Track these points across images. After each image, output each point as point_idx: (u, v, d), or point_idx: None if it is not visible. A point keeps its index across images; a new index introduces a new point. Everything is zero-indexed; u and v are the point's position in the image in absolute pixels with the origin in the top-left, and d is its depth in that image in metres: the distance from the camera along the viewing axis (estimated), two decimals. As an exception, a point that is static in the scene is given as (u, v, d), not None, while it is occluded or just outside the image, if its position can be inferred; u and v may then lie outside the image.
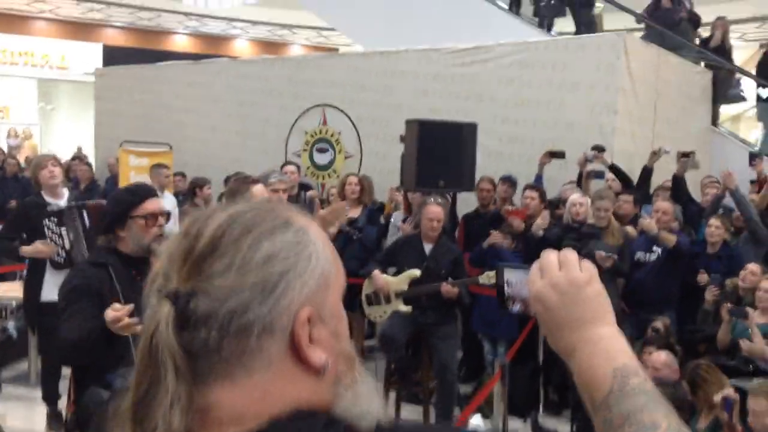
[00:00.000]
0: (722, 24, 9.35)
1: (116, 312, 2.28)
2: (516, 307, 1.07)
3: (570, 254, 1.01)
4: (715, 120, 9.26)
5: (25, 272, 5.02)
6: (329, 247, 0.85)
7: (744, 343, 4.33)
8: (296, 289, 0.79)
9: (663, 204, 5.58)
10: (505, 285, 1.11)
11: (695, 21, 9.42)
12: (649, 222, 5.36)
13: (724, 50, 9.25)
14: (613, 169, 6.51)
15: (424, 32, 8.84)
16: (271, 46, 20.51)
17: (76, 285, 2.54)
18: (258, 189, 3.56)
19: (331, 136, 8.67)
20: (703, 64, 9.18)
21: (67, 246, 4.52)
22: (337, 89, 8.56)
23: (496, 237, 5.69)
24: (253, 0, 16.12)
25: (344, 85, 8.53)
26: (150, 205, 2.66)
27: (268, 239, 0.79)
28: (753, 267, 4.98)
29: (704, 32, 9.87)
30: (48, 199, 4.75)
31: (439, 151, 5.86)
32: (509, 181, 6.62)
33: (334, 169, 8.59)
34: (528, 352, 5.59)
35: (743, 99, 5.82)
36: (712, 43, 9.26)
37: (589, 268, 1.00)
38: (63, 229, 4.53)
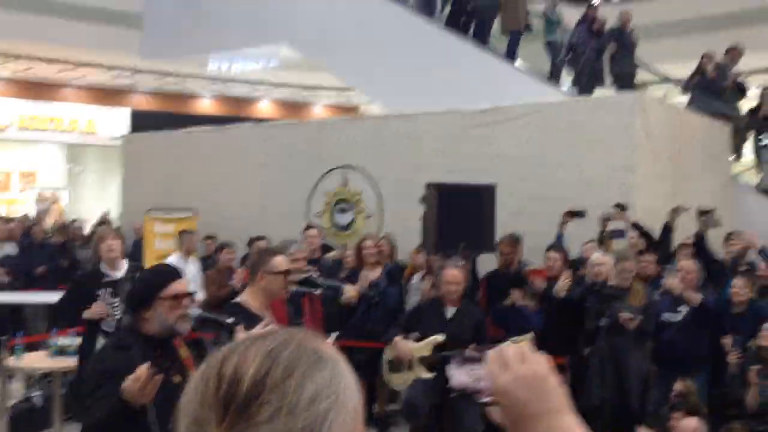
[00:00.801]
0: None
1: (136, 376, 2.32)
2: (485, 399, 1.10)
3: (525, 347, 1.07)
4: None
5: (81, 340, 5.12)
6: (353, 376, 0.86)
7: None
8: (340, 425, 0.78)
9: (687, 263, 5.57)
10: (451, 379, 1.18)
11: (741, 89, 9.51)
12: (672, 281, 5.34)
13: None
14: (636, 226, 6.51)
15: (443, 92, 9.03)
16: (293, 107, 20.95)
17: (107, 368, 2.58)
18: (279, 261, 3.62)
19: (352, 196, 8.79)
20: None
21: (119, 316, 4.63)
22: (358, 151, 8.72)
23: (516, 296, 5.68)
24: (276, 63, 16.56)
25: (365, 146, 8.69)
26: (176, 287, 2.72)
27: (310, 380, 0.79)
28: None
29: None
30: (106, 270, 4.95)
31: (459, 213, 5.92)
32: (512, 239, 6.58)
33: (355, 229, 8.67)
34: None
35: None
36: (760, 113, 9.35)
37: (545, 360, 1.06)
38: (117, 299, 4.67)
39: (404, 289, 6.50)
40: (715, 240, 6.85)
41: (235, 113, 18.66)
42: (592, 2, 10.56)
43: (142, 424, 2.36)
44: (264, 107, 21.13)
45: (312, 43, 11.34)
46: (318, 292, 4.89)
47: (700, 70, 9.41)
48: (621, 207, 6.54)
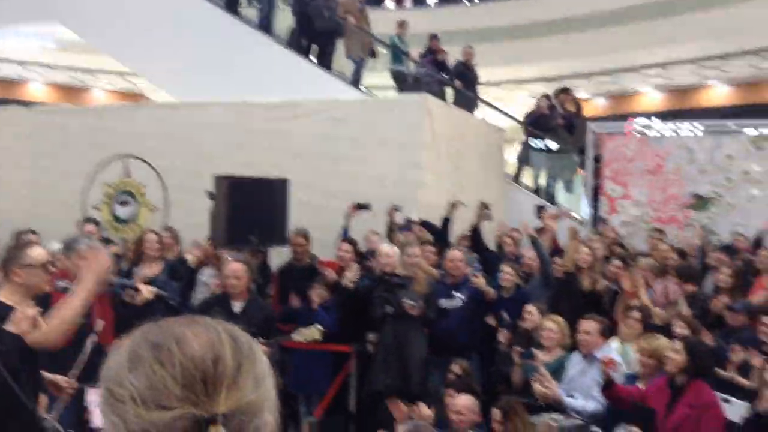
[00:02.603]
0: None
1: None
2: None
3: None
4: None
5: None
6: None
7: (535, 387, 4.65)
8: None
9: (453, 253, 5.97)
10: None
11: (570, 128, 10.16)
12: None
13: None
14: (423, 223, 6.89)
15: (237, 84, 8.83)
16: (70, 91, 19.35)
17: None
18: (36, 253, 3.31)
19: (135, 188, 8.29)
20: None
21: None
22: (142, 140, 8.24)
23: (318, 294, 5.73)
24: (52, 43, 15.17)
25: (150, 135, 8.24)
26: None
27: (261, 355, 0.92)
28: (530, 308, 5.43)
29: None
30: None
31: (250, 207, 5.83)
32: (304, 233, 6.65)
33: (138, 223, 8.20)
34: (340, 404, 5.64)
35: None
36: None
37: None
38: None
39: (187, 284, 6.19)
40: (489, 232, 7.46)
41: (2, 96, 16.86)
42: (435, 34, 10.88)
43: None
44: (36, 90, 19.29)
45: (91, 24, 10.49)
46: (109, 291, 4.56)
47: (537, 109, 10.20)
48: (396, 208, 6.83)
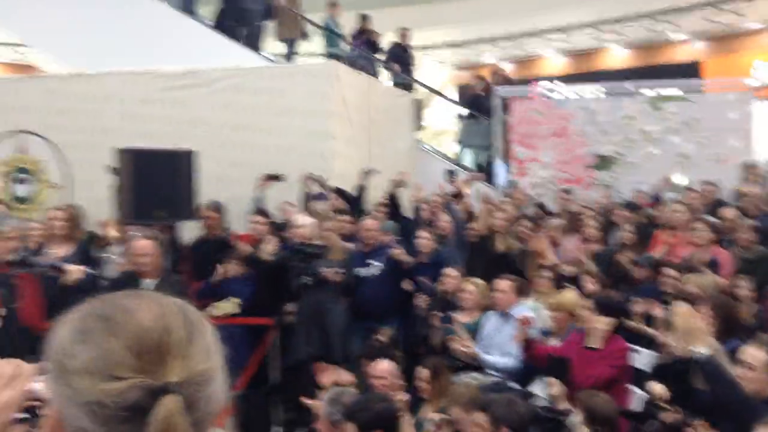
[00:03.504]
0: None
1: None
2: None
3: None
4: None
5: None
6: None
7: (453, 346, 4.73)
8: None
9: (368, 222, 5.95)
10: None
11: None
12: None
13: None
14: (337, 191, 6.82)
15: (136, 53, 8.39)
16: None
17: None
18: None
19: (33, 165, 7.81)
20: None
21: None
22: (36, 114, 7.74)
23: (227, 269, 5.60)
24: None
25: (44, 109, 7.74)
26: None
27: (208, 327, 0.92)
28: (450, 271, 5.52)
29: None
30: None
31: (155, 180, 5.60)
32: (215, 205, 6.50)
33: (39, 201, 7.74)
34: (261, 377, 5.57)
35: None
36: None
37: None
38: None
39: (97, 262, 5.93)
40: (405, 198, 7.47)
41: None
42: (365, 14, 10.77)
43: None
44: None
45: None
46: (35, 272, 4.31)
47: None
48: (314, 177, 6.77)
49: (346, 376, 4.45)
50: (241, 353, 5.55)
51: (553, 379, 3.63)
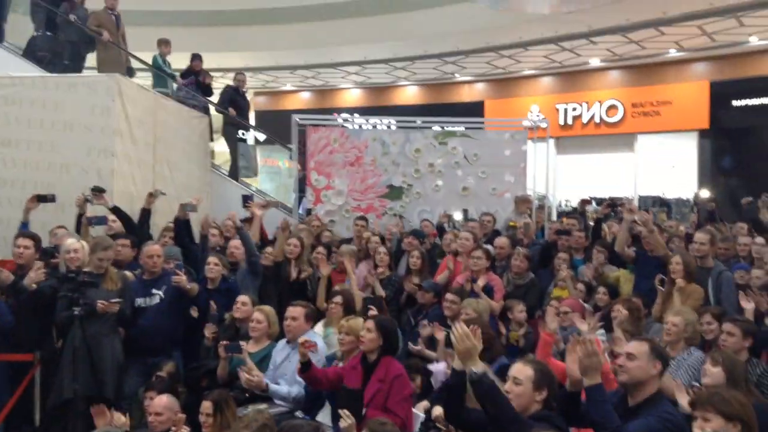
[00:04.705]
0: None
1: None
2: None
3: None
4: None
5: None
6: None
7: (241, 377, 4.54)
8: None
9: (151, 248, 5.50)
10: None
11: None
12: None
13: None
14: (116, 211, 6.36)
15: None
16: None
17: None
18: None
19: None
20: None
21: None
22: None
23: None
24: None
25: None
26: None
27: None
28: (243, 298, 5.35)
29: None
30: None
31: None
32: None
33: None
34: (24, 416, 4.96)
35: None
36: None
37: None
38: None
39: None
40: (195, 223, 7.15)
41: None
42: (197, 54, 10.57)
43: None
44: None
45: None
46: None
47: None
48: (99, 189, 6.32)
49: (119, 417, 4.08)
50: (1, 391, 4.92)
51: (345, 411, 3.59)
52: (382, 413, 3.80)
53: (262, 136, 10.99)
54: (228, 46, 15.98)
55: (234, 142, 10.48)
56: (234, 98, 10.52)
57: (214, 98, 10.77)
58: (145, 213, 6.72)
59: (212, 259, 5.96)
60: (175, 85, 10.07)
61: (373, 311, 5.17)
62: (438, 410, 3.97)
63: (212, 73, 11.06)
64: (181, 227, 6.65)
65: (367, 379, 4.10)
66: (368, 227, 7.91)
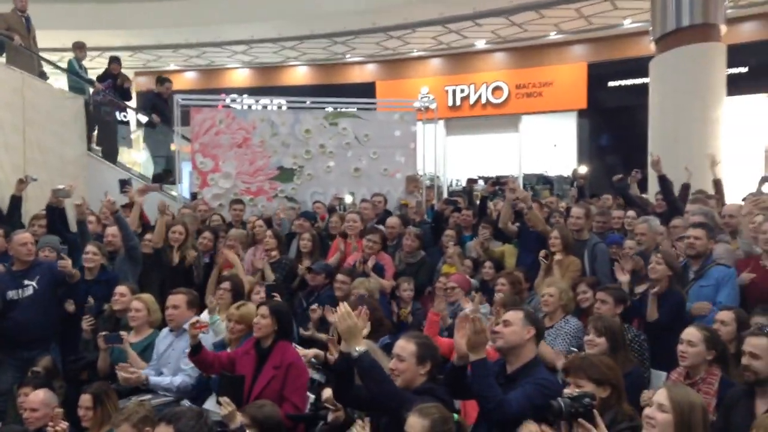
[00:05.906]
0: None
1: None
2: None
3: None
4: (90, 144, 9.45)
5: None
6: None
7: (119, 374, 4.36)
8: None
9: (22, 236, 5.24)
10: None
11: None
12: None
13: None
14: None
15: None
16: None
17: None
18: None
19: None
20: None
21: None
22: None
23: None
24: None
25: None
26: None
27: None
28: (122, 289, 5.12)
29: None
30: None
31: None
32: None
33: None
34: None
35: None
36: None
37: None
38: None
39: None
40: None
41: None
42: (116, 57, 10.35)
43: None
44: None
45: None
46: None
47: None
48: None
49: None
50: None
51: (226, 399, 3.51)
52: (278, 401, 3.76)
53: (144, 119, 10.53)
54: (107, 23, 15.17)
55: (159, 149, 10.17)
56: (156, 104, 10.09)
57: (133, 102, 10.46)
58: (16, 200, 6.29)
59: (91, 248, 5.66)
60: (91, 90, 9.69)
61: (278, 298, 5.05)
62: (327, 392, 3.97)
63: (89, 53, 10.48)
64: (54, 214, 6.26)
65: (261, 365, 4.04)
66: (245, 210, 7.81)
